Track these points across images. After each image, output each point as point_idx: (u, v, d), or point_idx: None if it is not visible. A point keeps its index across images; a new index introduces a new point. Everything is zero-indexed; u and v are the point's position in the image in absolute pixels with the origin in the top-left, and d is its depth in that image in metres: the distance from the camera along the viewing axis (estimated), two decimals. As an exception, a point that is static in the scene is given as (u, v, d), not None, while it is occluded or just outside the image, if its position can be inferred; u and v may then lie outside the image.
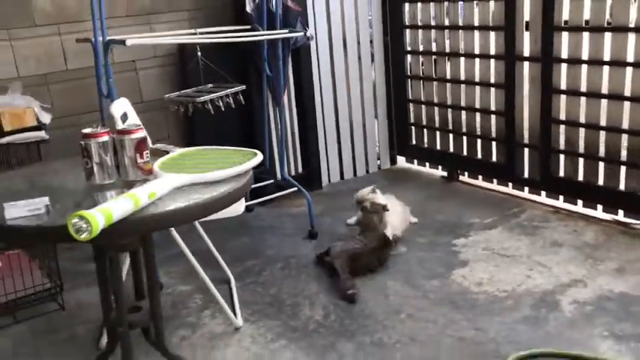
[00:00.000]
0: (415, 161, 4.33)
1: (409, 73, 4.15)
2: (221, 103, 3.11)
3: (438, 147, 4.08)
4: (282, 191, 3.51)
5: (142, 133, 1.53)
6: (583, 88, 3.20)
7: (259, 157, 1.66)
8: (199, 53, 3.18)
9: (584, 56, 3.16)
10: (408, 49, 4.09)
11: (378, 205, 2.99)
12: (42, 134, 2.42)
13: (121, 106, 2.30)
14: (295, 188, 3.43)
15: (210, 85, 3.27)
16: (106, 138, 1.51)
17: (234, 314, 2.47)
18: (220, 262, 2.75)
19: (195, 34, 3.13)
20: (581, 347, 2.16)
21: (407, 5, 4.02)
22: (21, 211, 1.35)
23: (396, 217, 3.11)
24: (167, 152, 1.68)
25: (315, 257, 2.98)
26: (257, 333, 2.40)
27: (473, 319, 2.40)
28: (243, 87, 3.24)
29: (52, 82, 3.09)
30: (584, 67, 3.17)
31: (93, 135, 1.49)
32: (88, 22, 3.13)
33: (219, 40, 2.96)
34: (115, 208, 1.25)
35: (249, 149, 1.71)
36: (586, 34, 3.13)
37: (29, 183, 1.65)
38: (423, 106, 4.12)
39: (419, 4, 3.95)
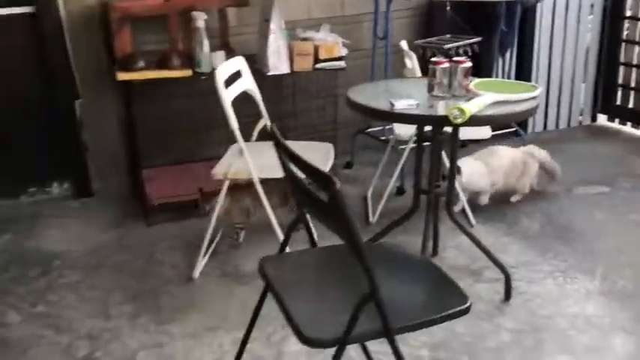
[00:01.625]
0: (617, 120, 4.70)
1: (624, 37, 4.48)
2: (461, 51, 3.76)
3: (644, 108, 4.43)
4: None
5: (469, 64, 2.25)
6: None
7: (540, 89, 2.30)
8: (448, 7, 3.83)
9: None
10: (628, 14, 4.42)
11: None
12: (342, 64, 3.26)
13: (404, 44, 3.08)
14: (514, 129, 4.04)
15: (448, 36, 3.91)
16: (446, 65, 2.25)
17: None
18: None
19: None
20: None
21: (631, -27, 4.34)
22: (402, 104, 2.15)
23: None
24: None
25: None
26: (488, 230, 3.11)
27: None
28: (479, 39, 3.85)
29: (332, 24, 3.92)
30: None
31: (438, 62, 2.24)
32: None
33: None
34: (471, 108, 2.00)
35: (529, 83, 2.37)
36: None
37: (386, 91, 2.45)
38: (633, 69, 4.45)
39: (645, -26, 4.26)
